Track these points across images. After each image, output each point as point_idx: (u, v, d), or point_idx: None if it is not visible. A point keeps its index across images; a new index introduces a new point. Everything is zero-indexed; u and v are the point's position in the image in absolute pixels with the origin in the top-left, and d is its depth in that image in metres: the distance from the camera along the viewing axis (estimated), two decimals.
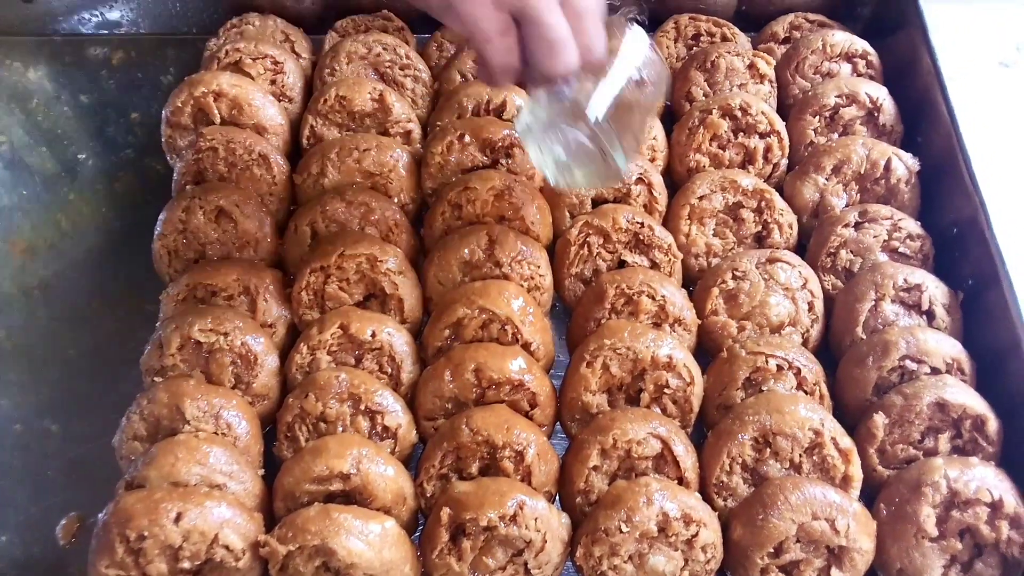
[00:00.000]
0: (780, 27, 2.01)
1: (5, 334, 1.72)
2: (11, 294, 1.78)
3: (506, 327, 1.49)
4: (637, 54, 1.29)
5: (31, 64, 2.10)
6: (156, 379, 1.48)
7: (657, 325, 1.53)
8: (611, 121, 1.27)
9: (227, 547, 1.27)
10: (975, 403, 1.40)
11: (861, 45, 1.89)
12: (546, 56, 1.12)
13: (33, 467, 1.57)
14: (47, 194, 1.91)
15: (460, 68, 1.87)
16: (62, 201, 1.90)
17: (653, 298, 1.52)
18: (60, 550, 1.48)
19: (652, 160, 1.77)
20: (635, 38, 1.29)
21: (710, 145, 1.77)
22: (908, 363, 1.46)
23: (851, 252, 1.63)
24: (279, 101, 1.84)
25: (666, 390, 1.46)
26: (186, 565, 1.26)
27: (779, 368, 1.46)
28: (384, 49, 1.88)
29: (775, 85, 1.89)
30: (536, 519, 1.30)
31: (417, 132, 1.81)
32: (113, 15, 2.11)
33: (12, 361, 1.69)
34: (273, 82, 1.87)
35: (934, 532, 1.32)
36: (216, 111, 1.74)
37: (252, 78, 1.83)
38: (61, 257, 1.82)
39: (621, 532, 1.29)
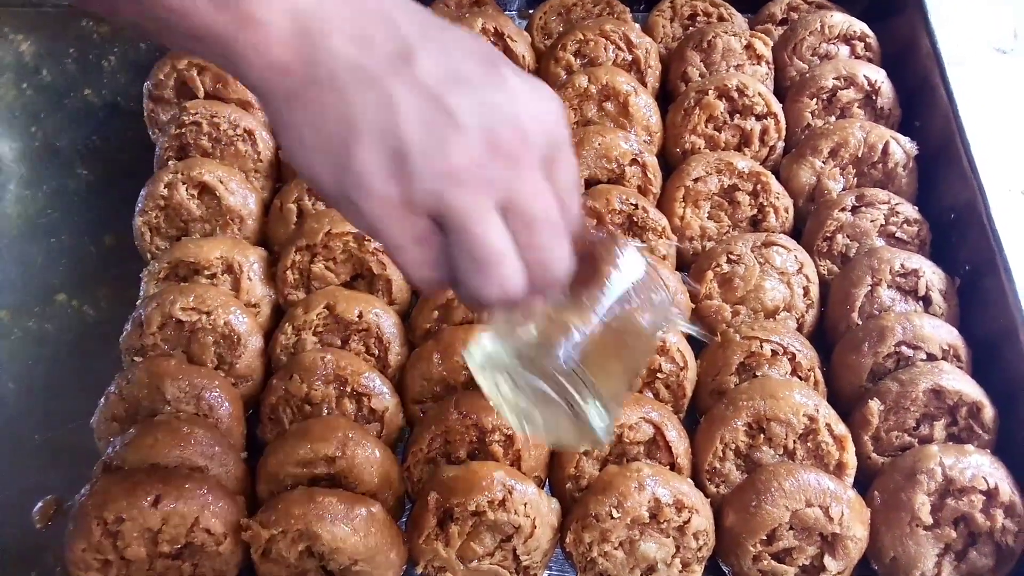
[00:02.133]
0: (778, 8, 1.98)
1: None
2: None
3: None
4: (628, 277, 0.96)
5: (17, 34, 2.05)
6: (136, 359, 1.44)
7: None
8: (588, 366, 0.93)
9: (208, 531, 1.24)
10: (971, 390, 1.38)
11: (860, 27, 1.86)
12: (472, 276, 0.78)
13: (8, 448, 1.53)
14: (25, 168, 1.86)
15: None
16: (41, 176, 1.85)
17: None
18: (36, 533, 1.44)
19: (647, 141, 1.74)
20: (629, 258, 0.96)
21: (706, 126, 1.73)
22: (904, 349, 1.44)
23: (847, 236, 1.61)
24: None
25: (659, 374, 1.43)
26: (165, 549, 1.23)
27: (774, 353, 1.44)
28: None
29: (772, 66, 1.85)
30: (525, 504, 1.27)
31: None
32: None
33: None
34: None
35: (928, 520, 1.30)
36: (200, 84, 1.70)
37: None
38: (41, 232, 1.77)
39: (612, 518, 1.26)
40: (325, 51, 0.75)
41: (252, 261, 1.54)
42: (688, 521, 1.28)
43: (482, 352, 0.97)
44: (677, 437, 1.37)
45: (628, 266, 0.96)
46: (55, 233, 1.77)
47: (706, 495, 1.35)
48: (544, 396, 0.94)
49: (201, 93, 1.70)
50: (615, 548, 1.29)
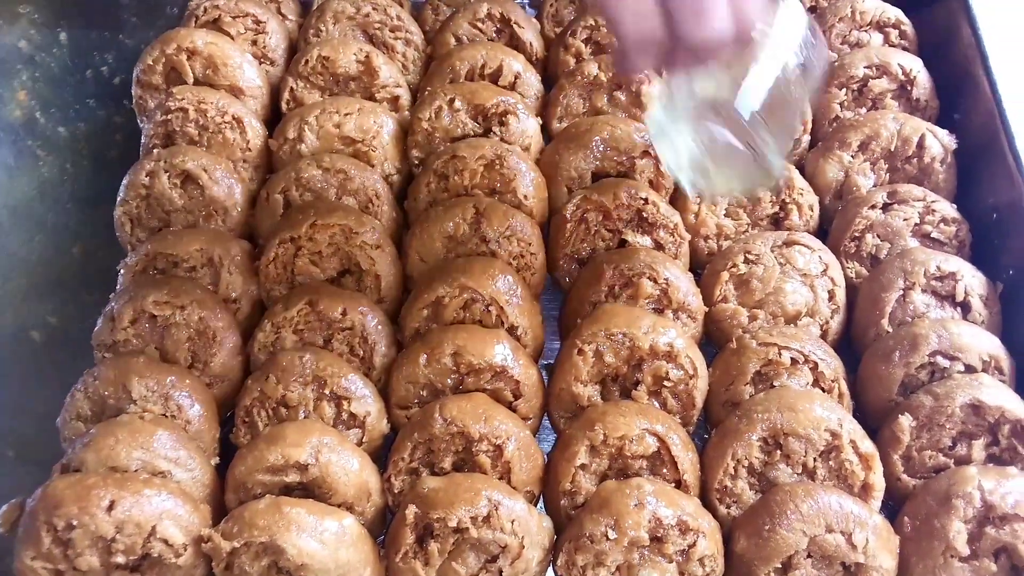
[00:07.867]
0: None
1: None
2: None
3: (490, 308, 1.36)
4: (795, 35, 1.12)
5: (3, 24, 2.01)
6: (107, 355, 1.36)
7: (659, 311, 1.40)
8: (764, 114, 1.11)
9: (166, 541, 1.15)
10: (1014, 406, 1.27)
11: (894, 13, 1.75)
12: (691, 21, 0.96)
13: None
14: (10, 157, 1.81)
15: (455, 31, 1.74)
16: (24, 167, 1.79)
17: (655, 281, 1.39)
18: (1, 539, 1.37)
19: None
20: (792, 16, 1.11)
21: None
22: (939, 360, 1.33)
23: (878, 236, 1.50)
24: (260, 63, 1.72)
25: (666, 382, 1.32)
26: (120, 560, 1.14)
27: (793, 362, 1.34)
28: (374, 9, 1.76)
29: None
30: (513, 521, 1.17)
31: (406, 98, 1.69)
32: None
33: None
34: (254, 42, 1.75)
35: (965, 551, 1.19)
36: (189, 70, 1.63)
37: (231, 37, 1.71)
38: (20, 222, 1.72)
39: (608, 539, 1.16)
40: None
41: (234, 254, 1.45)
42: (693, 545, 1.17)
43: (664, 112, 1.17)
44: (684, 451, 1.25)
45: (791, 23, 1.10)
46: (34, 222, 1.72)
47: (715, 516, 1.24)
48: (724, 146, 1.13)
49: (190, 79, 1.63)
50: (612, 573, 1.17)
